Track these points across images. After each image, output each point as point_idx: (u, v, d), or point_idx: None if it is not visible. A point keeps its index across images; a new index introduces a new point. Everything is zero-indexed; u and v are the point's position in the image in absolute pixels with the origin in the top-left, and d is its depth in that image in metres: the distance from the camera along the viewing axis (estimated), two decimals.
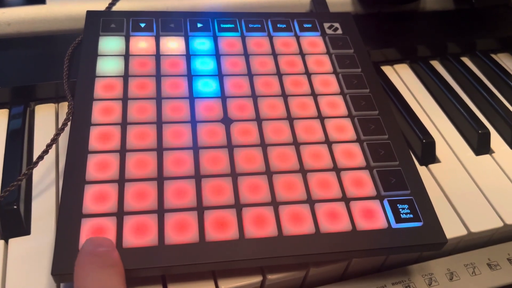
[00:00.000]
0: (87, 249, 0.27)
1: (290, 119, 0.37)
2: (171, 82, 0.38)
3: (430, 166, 0.41)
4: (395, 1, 0.54)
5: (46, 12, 0.45)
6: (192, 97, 0.37)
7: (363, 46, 0.44)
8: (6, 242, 0.32)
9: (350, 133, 0.37)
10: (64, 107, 0.41)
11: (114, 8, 0.46)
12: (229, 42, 0.42)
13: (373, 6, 0.54)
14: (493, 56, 0.54)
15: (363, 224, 0.31)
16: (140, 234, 0.29)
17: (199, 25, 0.43)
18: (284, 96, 0.39)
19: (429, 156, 0.41)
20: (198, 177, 0.32)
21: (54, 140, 0.34)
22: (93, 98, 0.36)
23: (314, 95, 0.39)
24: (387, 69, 0.50)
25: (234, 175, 0.33)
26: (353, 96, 0.39)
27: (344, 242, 0.31)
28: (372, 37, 0.50)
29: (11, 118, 0.39)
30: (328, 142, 0.36)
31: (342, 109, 0.38)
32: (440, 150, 0.42)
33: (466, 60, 0.53)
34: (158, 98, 0.37)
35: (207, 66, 0.40)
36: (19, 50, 0.43)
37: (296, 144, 0.35)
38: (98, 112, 0.35)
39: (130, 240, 0.29)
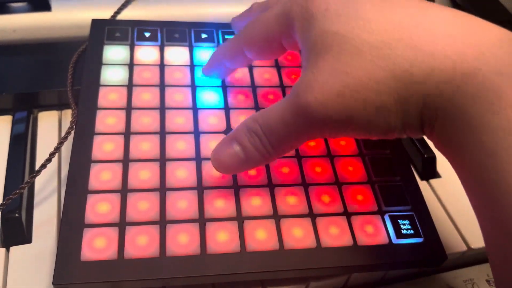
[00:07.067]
0: None
1: None
2: (175, 93, 0.38)
3: (431, 181, 0.41)
4: None
5: (52, 19, 0.45)
6: (195, 108, 0.37)
7: None
8: (8, 250, 0.32)
9: (353, 148, 0.37)
10: (67, 115, 0.41)
11: (119, 17, 0.46)
12: None
13: None
14: None
15: (364, 239, 0.32)
16: (141, 245, 0.29)
17: (203, 35, 0.43)
18: None
19: (430, 171, 0.41)
20: (200, 188, 0.32)
21: (57, 149, 0.34)
22: (97, 107, 0.36)
23: None
24: None
25: (236, 187, 0.33)
26: None
27: (345, 257, 0.31)
28: None
29: (14, 124, 0.39)
30: (330, 156, 0.36)
31: None
32: (441, 165, 0.42)
33: None
34: (162, 108, 0.37)
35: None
36: (23, 56, 0.43)
37: (298, 156, 0.35)
38: (101, 121, 0.35)
39: (132, 251, 0.29)
